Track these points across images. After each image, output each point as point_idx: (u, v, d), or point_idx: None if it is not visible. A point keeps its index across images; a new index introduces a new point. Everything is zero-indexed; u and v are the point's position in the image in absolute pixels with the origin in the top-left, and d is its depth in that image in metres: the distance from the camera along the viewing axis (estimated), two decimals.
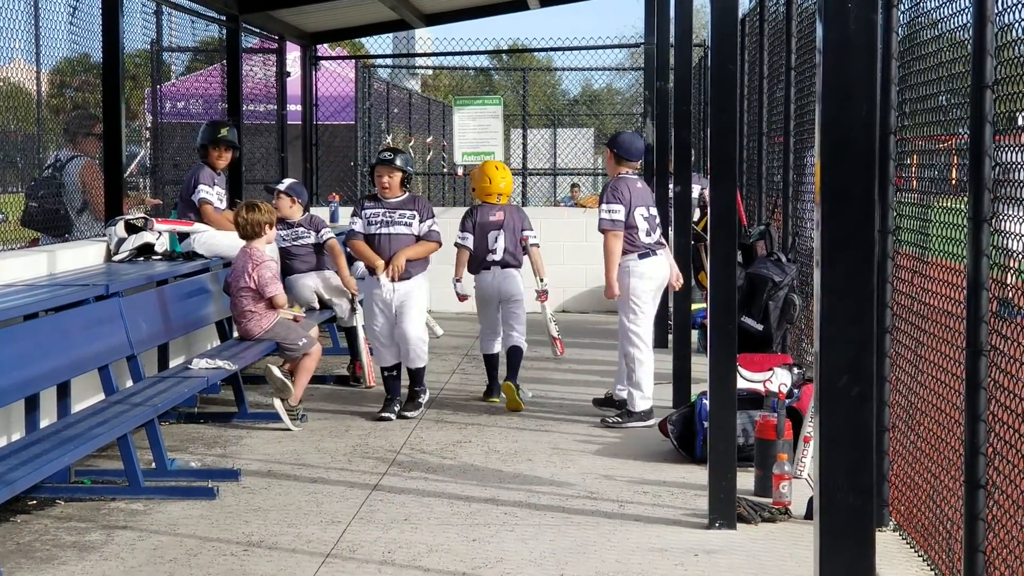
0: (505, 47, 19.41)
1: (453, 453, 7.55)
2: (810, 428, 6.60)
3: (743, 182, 11.71)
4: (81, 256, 8.60)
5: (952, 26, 4.81)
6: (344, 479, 6.93)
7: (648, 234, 8.34)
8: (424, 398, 8.77)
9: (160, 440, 6.84)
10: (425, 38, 30.98)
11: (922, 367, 5.30)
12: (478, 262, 9.15)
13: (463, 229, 9.21)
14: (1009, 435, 4.10)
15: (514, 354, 9.13)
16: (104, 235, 9.11)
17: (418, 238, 8.52)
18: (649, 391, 8.26)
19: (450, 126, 16.53)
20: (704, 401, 6.69)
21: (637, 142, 8.59)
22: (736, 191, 6.26)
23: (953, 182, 5.13)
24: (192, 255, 9.18)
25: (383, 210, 8.52)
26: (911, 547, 5.54)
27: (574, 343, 11.08)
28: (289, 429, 8.13)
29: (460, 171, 16.81)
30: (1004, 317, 4.20)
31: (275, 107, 13.95)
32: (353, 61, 16.86)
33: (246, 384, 8.61)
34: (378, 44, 39.33)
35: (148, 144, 13.09)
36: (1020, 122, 4.28)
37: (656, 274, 8.37)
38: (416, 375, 8.71)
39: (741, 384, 6.64)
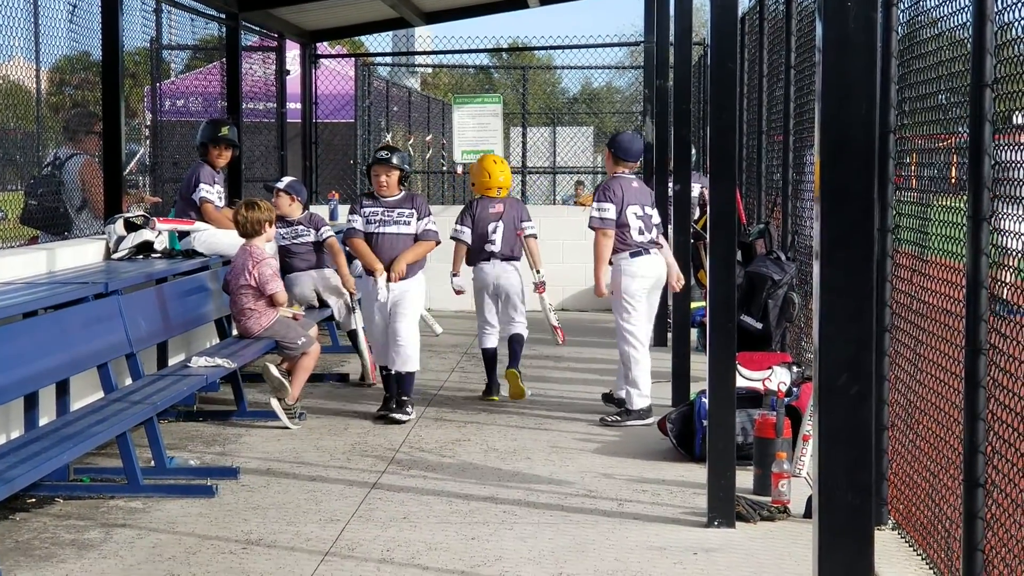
0: (505, 45, 19.38)
1: (452, 451, 7.55)
2: (809, 426, 6.60)
3: (742, 180, 11.71)
4: (80, 254, 8.60)
5: (952, 25, 4.81)
6: (343, 477, 6.93)
7: (641, 232, 8.34)
8: (411, 411, 8.43)
9: (159, 438, 6.84)
10: (425, 36, 30.93)
11: (921, 366, 5.30)
12: (476, 253, 9.18)
13: (460, 223, 9.23)
14: (1008, 434, 4.10)
15: (515, 341, 9.18)
16: (103, 233, 9.10)
17: (416, 237, 8.51)
18: (647, 389, 8.26)
19: (450, 124, 16.53)
20: (703, 399, 6.69)
21: (636, 143, 8.61)
22: (735, 189, 6.26)
23: (953, 181, 5.12)
24: (191, 253, 9.17)
25: (382, 209, 8.51)
26: (910, 546, 5.54)
27: (573, 341, 11.08)
28: (287, 427, 8.13)
29: (460, 169, 16.81)
30: (1002, 315, 4.20)
31: (274, 105, 13.94)
32: (353, 59, 16.85)
33: (245, 382, 8.61)
34: (378, 42, 39.35)
35: (147, 142, 13.10)
36: (1017, 121, 4.28)
37: (649, 272, 8.37)
38: (405, 382, 8.46)
39: (740, 382, 6.65)
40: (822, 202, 3.43)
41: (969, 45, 4.36)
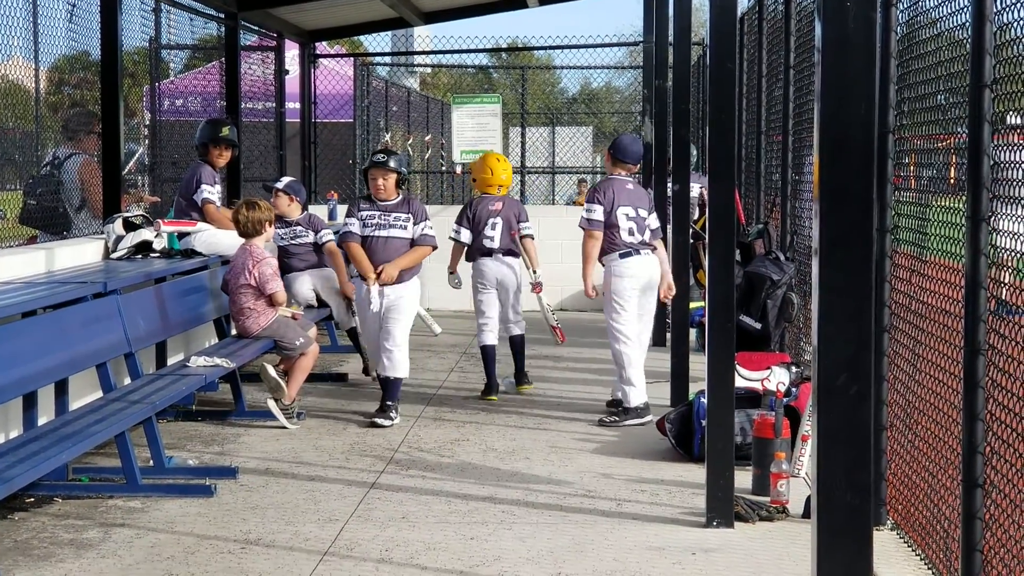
0: (504, 45, 19.39)
1: (451, 451, 7.55)
2: (808, 427, 6.61)
3: (741, 181, 11.71)
4: (79, 254, 8.60)
5: (951, 25, 4.81)
6: (342, 477, 6.93)
7: (631, 233, 8.35)
8: (395, 416, 8.26)
9: (158, 438, 6.84)
10: (424, 36, 30.95)
11: (920, 366, 5.30)
12: (476, 249, 9.20)
13: (459, 223, 9.25)
14: (1007, 434, 4.10)
15: (517, 346, 9.31)
16: (102, 233, 9.10)
17: (412, 242, 8.48)
18: (641, 385, 8.27)
19: (449, 124, 16.52)
20: (702, 399, 6.69)
21: (635, 145, 8.63)
22: (735, 190, 6.26)
23: (952, 181, 5.13)
24: (190, 252, 9.17)
25: (378, 212, 8.46)
26: (909, 546, 5.54)
27: (572, 341, 11.07)
28: (285, 427, 8.12)
29: (459, 169, 16.81)
30: (1001, 316, 4.20)
31: (273, 105, 13.94)
32: (352, 59, 16.84)
33: (244, 382, 8.60)
34: (377, 42, 39.32)
35: (146, 142, 13.09)
36: (1011, 121, 4.28)
37: (640, 273, 8.37)
38: (392, 387, 8.34)
39: (739, 383, 6.66)
40: (821, 202, 3.43)
41: (968, 45, 4.36)
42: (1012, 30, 4.08)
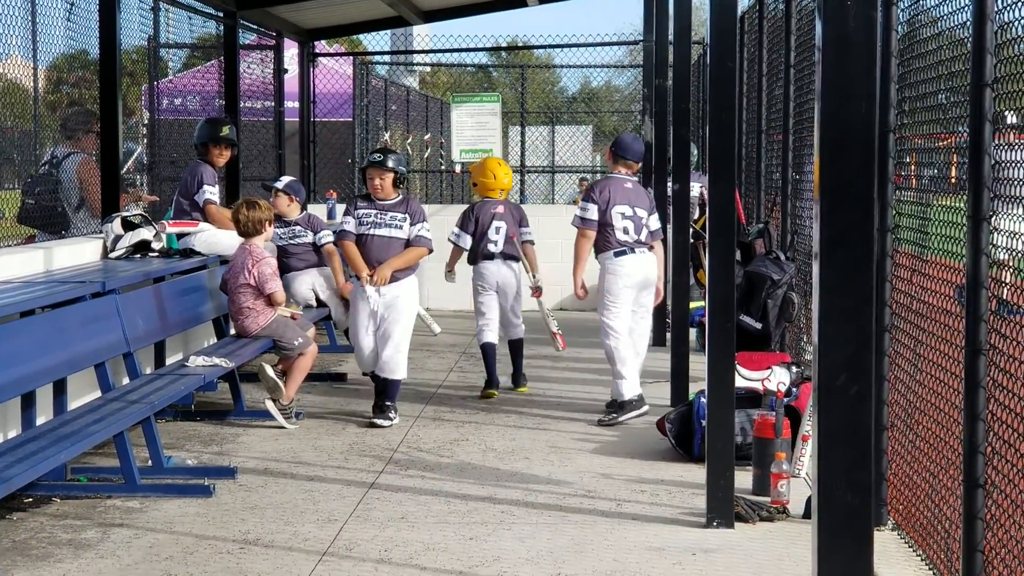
0: (503, 44, 19.37)
1: (450, 451, 7.54)
2: (808, 427, 6.60)
3: (742, 180, 11.70)
4: (78, 253, 8.58)
5: (952, 24, 4.80)
6: (341, 477, 6.92)
7: (625, 232, 8.36)
8: (394, 416, 8.26)
9: (156, 438, 6.83)
10: (423, 35, 30.95)
11: (921, 366, 5.29)
12: (478, 252, 9.20)
13: (461, 228, 9.25)
14: (1008, 434, 4.09)
15: (516, 349, 9.34)
16: (101, 232, 9.09)
17: (408, 243, 8.44)
18: (632, 377, 8.29)
19: (448, 123, 16.52)
20: (702, 399, 6.68)
21: (637, 143, 8.66)
22: (735, 189, 6.25)
23: (952, 180, 5.11)
24: (189, 252, 9.16)
25: (375, 211, 8.43)
26: (909, 546, 5.53)
27: (572, 342, 11.05)
28: (283, 427, 8.11)
29: (458, 168, 16.79)
30: (1003, 315, 4.19)
31: (272, 104, 13.93)
32: (351, 58, 16.83)
33: (243, 382, 8.60)
34: (376, 41, 39.31)
35: (145, 141, 13.07)
36: (1009, 120, 4.27)
37: (633, 271, 8.38)
38: (391, 388, 8.31)
39: (739, 382, 6.64)
40: (821, 201, 3.42)
41: (969, 44, 4.35)
42: (1013, 29, 4.07)
